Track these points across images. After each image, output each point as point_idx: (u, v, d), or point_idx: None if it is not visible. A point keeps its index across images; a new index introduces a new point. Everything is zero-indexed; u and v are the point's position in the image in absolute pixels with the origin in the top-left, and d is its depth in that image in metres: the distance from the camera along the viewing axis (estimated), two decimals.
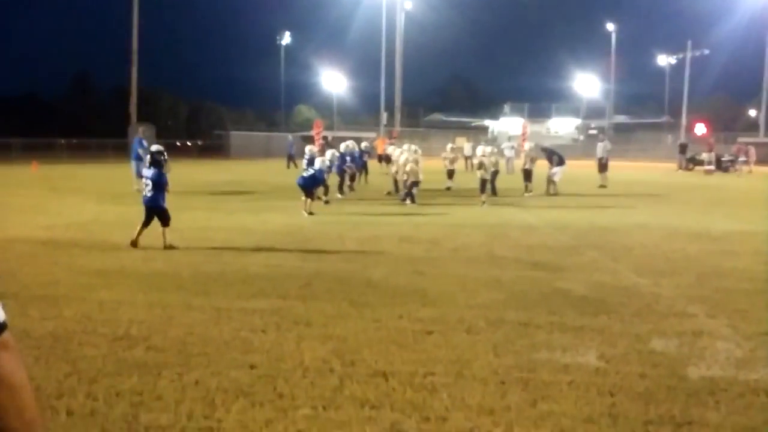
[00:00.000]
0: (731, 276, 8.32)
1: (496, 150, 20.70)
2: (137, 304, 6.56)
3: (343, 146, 20.07)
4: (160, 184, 9.86)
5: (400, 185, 18.30)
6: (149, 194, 9.82)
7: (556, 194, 19.74)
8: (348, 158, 19.41)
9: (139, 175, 18.43)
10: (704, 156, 37.44)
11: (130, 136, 46.92)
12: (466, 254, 9.78)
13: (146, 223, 9.85)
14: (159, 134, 50.39)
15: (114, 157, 39.56)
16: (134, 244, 9.72)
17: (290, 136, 42.69)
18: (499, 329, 5.82)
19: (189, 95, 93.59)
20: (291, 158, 36.43)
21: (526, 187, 20.22)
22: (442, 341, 5.49)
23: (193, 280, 7.71)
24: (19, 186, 21.38)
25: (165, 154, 10.25)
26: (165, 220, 9.80)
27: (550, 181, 20.25)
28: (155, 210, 9.81)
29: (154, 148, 10.51)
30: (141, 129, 20.77)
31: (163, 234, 9.74)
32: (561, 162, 20.46)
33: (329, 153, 17.71)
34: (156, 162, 10.01)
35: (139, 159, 18.90)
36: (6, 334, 1.28)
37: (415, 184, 17.01)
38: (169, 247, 9.63)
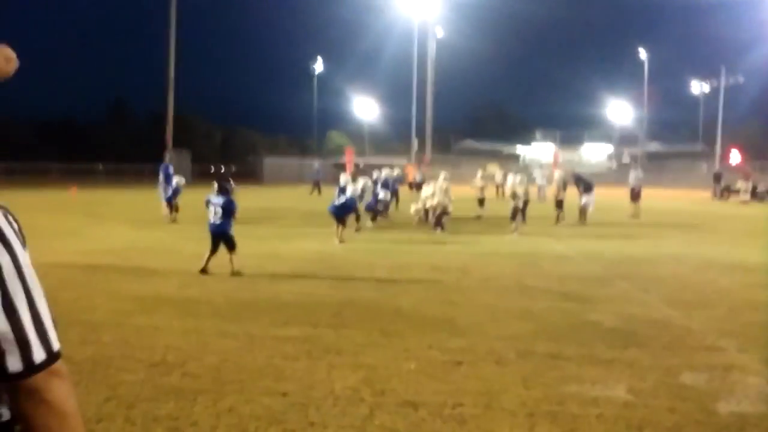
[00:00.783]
0: (764, 309, 8.24)
1: (527, 179, 20.65)
2: (173, 330, 6.73)
3: (383, 173, 20.43)
4: (230, 211, 10.18)
5: (431, 213, 18.37)
6: (218, 221, 10.08)
7: (584, 223, 19.63)
8: (380, 188, 19.60)
9: (166, 200, 18.92)
10: (740, 185, 36.96)
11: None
12: (496, 284, 9.82)
13: (214, 249, 10.11)
14: (193, 159, 51.26)
15: (150, 183, 40.04)
16: (204, 270, 9.96)
17: (316, 163, 42.33)
18: (528, 361, 5.86)
19: (223, 121, 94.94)
20: (317, 184, 36.43)
21: (558, 215, 20.16)
22: (471, 372, 5.54)
23: (227, 307, 7.87)
24: (58, 210, 21.91)
25: (232, 181, 10.54)
26: (232, 246, 10.08)
27: (582, 210, 20.15)
28: (223, 236, 10.08)
29: (221, 176, 10.85)
30: (168, 155, 21.20)
31: (231, 260, 10.00)
32: (588, 189, 20.33)
33: (361, 181, 17.96)
34: (224, 189, 10.32)
35: (167, 183, 19.34)
36: (59, 363, 1.39)
37: (445, 213, 17.10)
38: (236, 273, 9.88)
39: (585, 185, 20.49)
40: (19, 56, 1.46)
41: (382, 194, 19.34)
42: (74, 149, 64.67)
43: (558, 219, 20.05)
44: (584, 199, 20.20)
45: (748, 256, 13.25)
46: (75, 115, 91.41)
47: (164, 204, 19.26)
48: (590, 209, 20.13)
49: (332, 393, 5.00)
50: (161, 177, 20.09)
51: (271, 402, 4.80)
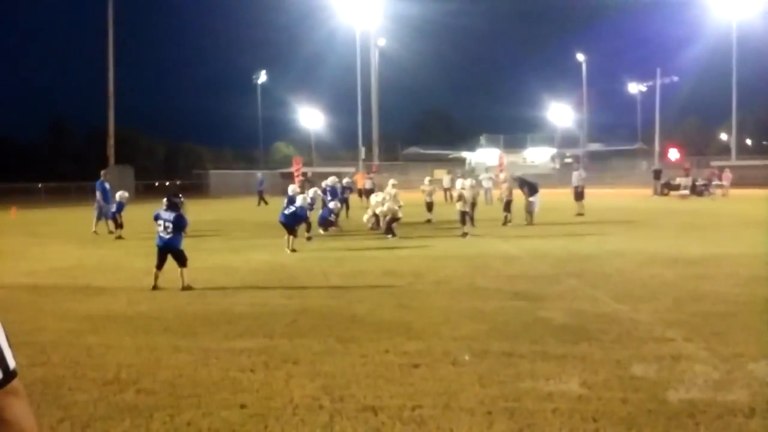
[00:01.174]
0: (707, 299, 8.52)
1: (474, 182, 20.93)
2: (125, 347, 6.60)
3: (328, 181, 20.38)
4: (180, 226, 10.08)
5: (382, 219, 18.45)
6: (167, 236, 9.97)
7: (531, 224, 19.99)
8: (329, 194, 19.66)
9: (105, 217, 19.05)
10: (681, 180, 38.11)
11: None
12: (448, 286, 9.91)
13: (160, 265, 10.00)
14: (137, 175, 50.33)
15: (93, 201, 39.31)
16: (155, 287, 9.87)
17: (259, 174, 41.15)
18: (483, 360, 5.94)
19: (166, 135, 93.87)
20: (261, 195, 36.23)
21: (506, 217, 20.45)
22: (428, 374, 5.59)
23: (179, 322, 7.76)
24: None
25: (181, 196, 10.46)
26: (183, 261, 9.98)
27: (527, 211, 20.51)
28: (173, 251, 9.98)
29: (171, 192, 10.76)
30: (103, 172, 20.92)
31: (181, 275, 9.90)
32: (533, 191, 20.73)
33: (311, 191, 17.97)
34: (173, 205, 10.20)
35: (105, 200, 19.80)
36: (16, 382, 1.38)
37: (395, 219, 17.20)
38: (187, 288, 9.76)
39: (530, 187, 20.86)
40: None
41: (332, 204, 19.37)
42: (13, 169, 62.90)
43: (505, 221, 20.34)
44: (530, 200, 20.56)
45: (689, 249, 13.67)
46: (13, 134, 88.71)
47: (95, 222, 19.62)
48: (536, 210, 20.51)
49: (291, 402, 4.99)
50: (98, 194, 20.15)
51: (229, 415, 4.76)
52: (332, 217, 18.97)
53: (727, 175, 38.78)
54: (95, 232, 19.22)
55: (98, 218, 19.71)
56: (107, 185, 20.31)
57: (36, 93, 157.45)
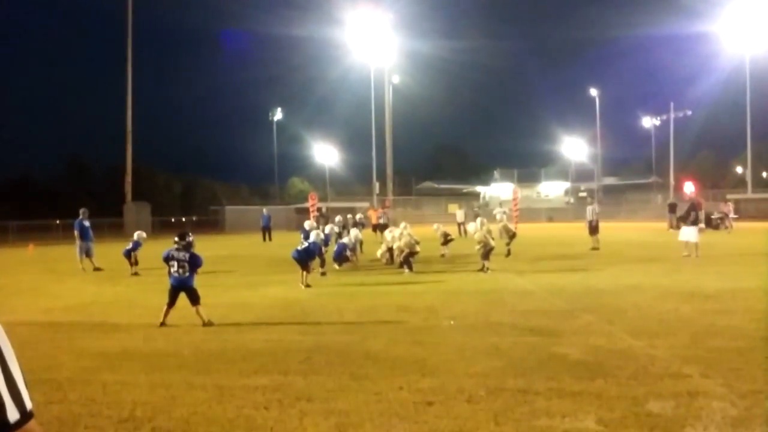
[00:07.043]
0: (725, 335, 8.44)
1: (486, 221, 20.95)
2: (140, 385, 6.63)
3: (338, 222, 20.46)
4: (195, 265, 10.21)
5: (396, 254, 18.45)
6: (183, 275, 10.07)
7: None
8: (345, 232, 19.76)
9: (86, 254, 19.92)
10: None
11: (126, 214, 47.37)
12: (463, 322, 9.87)
13: (171, 303, 10.07)
14: (154, 211, 50.72)
15: (110, 237, 39.50)
16: (163, 324, 9.94)
17: (265, 210, 40.87)
18: (498, 397, 5.90)
19: (183, 172, 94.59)
20: (266, 231, 36.44)
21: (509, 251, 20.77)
22: (443, 412, 5.56)
23: (195, 359, 7.79)
24: (16, 269, 21.46)
25: (191, 235, 10.59)
26: (196, 299, 10.04)
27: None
28: (186, 289, 10.06)
29: (181, 231, 10.84)
30: (81, 210, 21.13)
31: (198, 313, 9.96)
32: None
33: (327, 227, 18.11)
34: (188, 245, 10.29)
35: (84, 239, 20.40)
36: (32, 423, 1.41)
37: (413, 254, 17.17)
38: (208, 324, 9.82)
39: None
40: None
41: (346, 239, 19.50)
42: (32, 207, 63.64)
43: (508, 254, 20.76)
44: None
45: (706, 283, 13.55)
46: (32, 172, 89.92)
47: (79, 259, 20.12)
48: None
49: None
50: (76, 232, 20.65)
51: None
52: (348, 253, 19.05)
53: (728, 208, 38.42)
54: (83, 269, 19.79)
55: (80, 255, 20.20)
56: (86, 223, 20.77)
57: (55, 131, 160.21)
